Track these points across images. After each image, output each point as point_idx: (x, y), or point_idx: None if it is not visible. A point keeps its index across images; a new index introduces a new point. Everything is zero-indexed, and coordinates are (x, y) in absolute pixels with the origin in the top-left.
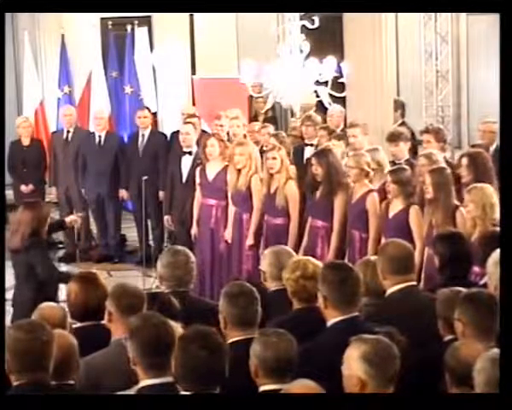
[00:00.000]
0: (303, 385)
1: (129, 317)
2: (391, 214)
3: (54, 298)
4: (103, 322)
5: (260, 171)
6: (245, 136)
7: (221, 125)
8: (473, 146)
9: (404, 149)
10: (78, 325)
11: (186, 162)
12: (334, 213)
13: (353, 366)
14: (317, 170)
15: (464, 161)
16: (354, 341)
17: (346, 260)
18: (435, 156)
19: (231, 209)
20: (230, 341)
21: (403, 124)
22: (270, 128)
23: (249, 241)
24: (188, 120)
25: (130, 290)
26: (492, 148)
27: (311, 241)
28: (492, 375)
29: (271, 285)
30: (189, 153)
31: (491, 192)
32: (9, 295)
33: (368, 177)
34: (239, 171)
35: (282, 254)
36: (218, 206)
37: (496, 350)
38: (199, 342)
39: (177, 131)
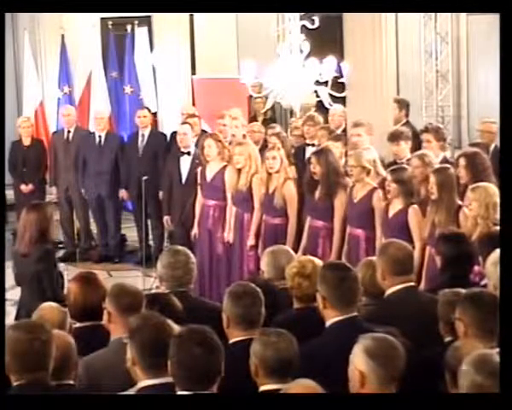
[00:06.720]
0: (303, 385)
1: (128, 317)
2: (391, 214)
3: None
4: (103, 322)
5: (260, 170)
6: (244, 136)
7: (224, 125)
8: (472, 145)
9: (405, 148)
10: (78, 325)
11: (185, 163)
12: (335, 213)
13: (356, 360)
14: (316, 168)
15: (462, 161)
16: (361, 337)
17: (348, 260)
18: (428, 158)
19: (232, 210)
20: (233, 340)
21: (407, 123)
22: (277, 128)
23: (250, 241)
24: (186, 120)
25: (129, 290)
26: (491, 147)
27: (311, 241)
28: (476, 379)
29: None
30: (188, 153)
31: (494, 191)
32: (9, 295)
33: (369, 175)
34: (239, 171)
35: (279, 253)
36: (216, 206)
37: (482, 352)
38: (194, 340)
39: (176, 132)
